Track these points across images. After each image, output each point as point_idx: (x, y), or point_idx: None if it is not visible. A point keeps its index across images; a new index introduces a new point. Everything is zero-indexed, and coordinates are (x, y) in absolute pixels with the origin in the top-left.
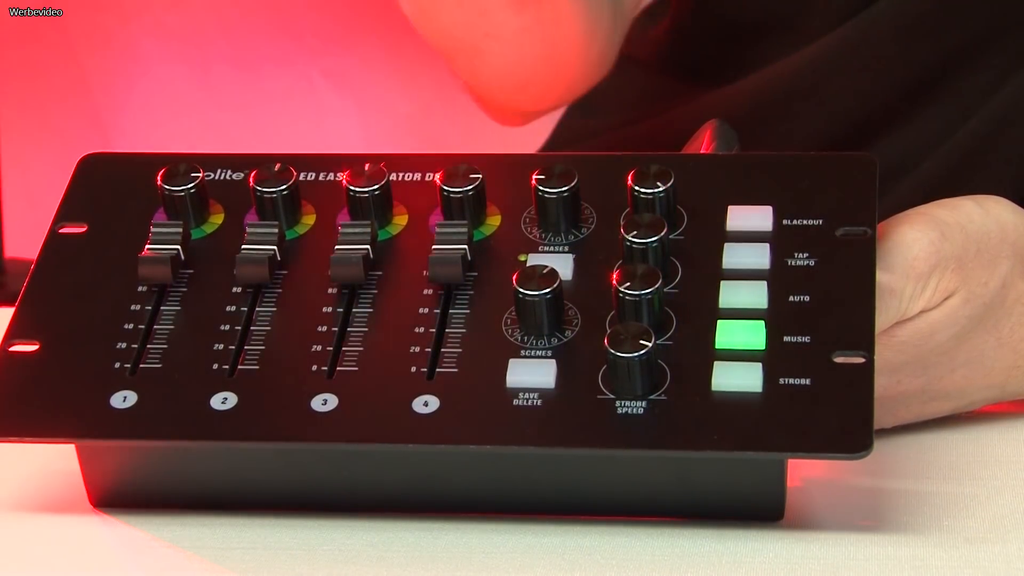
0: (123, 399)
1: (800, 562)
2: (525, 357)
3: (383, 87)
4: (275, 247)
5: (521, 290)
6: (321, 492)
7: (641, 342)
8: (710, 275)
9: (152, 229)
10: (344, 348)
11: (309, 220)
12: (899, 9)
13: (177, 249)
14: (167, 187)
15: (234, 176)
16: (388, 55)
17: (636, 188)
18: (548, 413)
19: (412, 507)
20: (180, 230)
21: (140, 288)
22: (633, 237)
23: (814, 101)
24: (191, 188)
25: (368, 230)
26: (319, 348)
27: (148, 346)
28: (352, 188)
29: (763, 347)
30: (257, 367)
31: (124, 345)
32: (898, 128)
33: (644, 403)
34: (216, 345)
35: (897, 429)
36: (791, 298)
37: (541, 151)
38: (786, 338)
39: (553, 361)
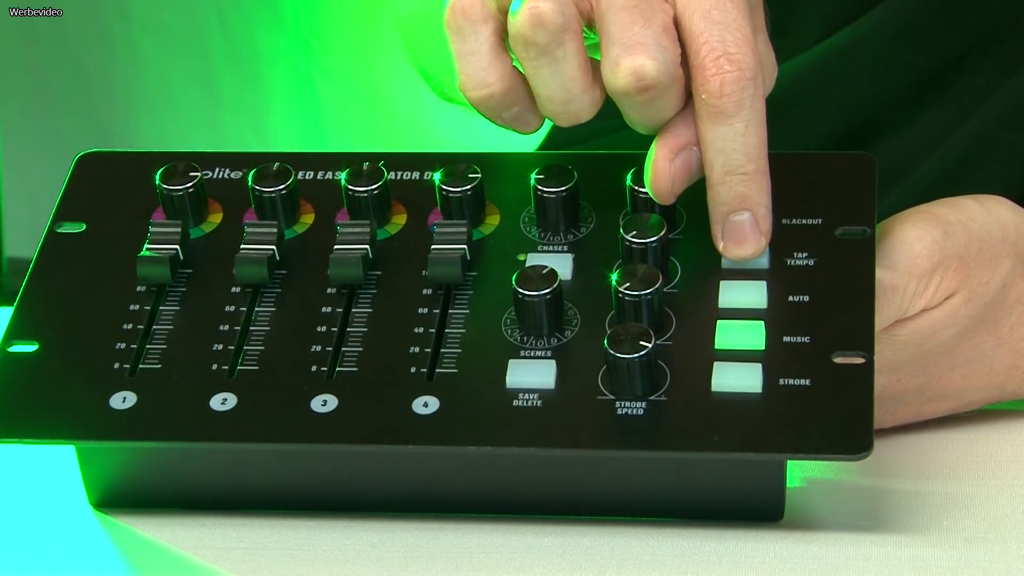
0: (122, 400)
1: (800, 562)
2: (525, 358)
3: (383, 87)
4: (274, 247)
5: (520, 290)
6: (321, 492)
7: (641, 343)
8: (710, 275)
9: (151, 228)
10: (344, 348)
11: (308, 219)
12: (895, 13)
13: (176, 249)
14: (165, 186)
15: (233, 175)
16: (388, 55)
17: (636, 188)
18: (548, 414)
19: (412, 507)
20: (179, 230)
21: (139, 288)
22: (633, 237)
23: (811, 106)
24: (189, 187)
25: (367, 230)
26: (319, 348)
27: (147, 346)
28: (351, 187)
29: (763, 347)
30: (256, 368)
31: (123, 345)
32: (896, 131)
33: (644, 404)
34: (215, 345)
35: (897, 429)
36: (791, 298)
37: (540, 150)
38: (786, 338)
39: (553, 361)
